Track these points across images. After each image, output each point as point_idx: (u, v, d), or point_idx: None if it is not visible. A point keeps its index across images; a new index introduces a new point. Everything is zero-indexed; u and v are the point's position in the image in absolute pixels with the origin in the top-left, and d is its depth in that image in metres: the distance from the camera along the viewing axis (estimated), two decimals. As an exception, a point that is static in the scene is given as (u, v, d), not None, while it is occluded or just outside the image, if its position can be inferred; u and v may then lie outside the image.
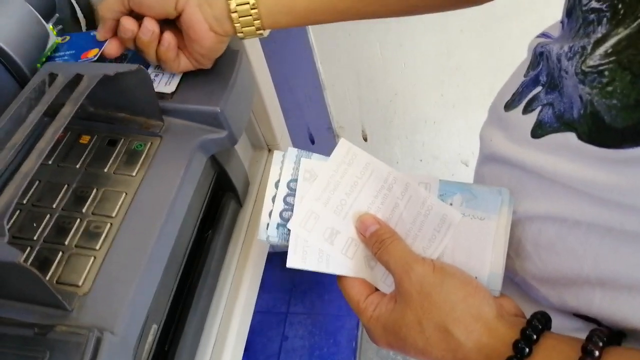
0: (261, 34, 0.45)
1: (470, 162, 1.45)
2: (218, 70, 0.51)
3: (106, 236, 0.41)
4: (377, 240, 0.39)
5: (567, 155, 0.32)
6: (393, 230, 0.40)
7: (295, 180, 0.42)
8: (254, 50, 0.59)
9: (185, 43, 0.46)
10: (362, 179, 0.43)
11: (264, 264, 0.65)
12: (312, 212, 0.41)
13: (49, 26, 0.51)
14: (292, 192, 0.42)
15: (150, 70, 0.51)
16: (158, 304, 0.46)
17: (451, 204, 0.41)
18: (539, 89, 0.37)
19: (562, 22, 0.36)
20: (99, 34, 0.47)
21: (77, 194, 0.44)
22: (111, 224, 0.42)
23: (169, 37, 0.45)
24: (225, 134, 0.49)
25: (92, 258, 0.40)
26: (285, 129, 0.74)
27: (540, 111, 0.35)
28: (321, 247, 0.41)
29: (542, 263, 0.37)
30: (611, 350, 0.28)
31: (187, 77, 0.51)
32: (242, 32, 0.45)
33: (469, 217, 0.40)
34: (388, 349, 0.38)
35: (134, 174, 0.45)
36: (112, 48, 0.47)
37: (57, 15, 0.53)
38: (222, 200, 0.60)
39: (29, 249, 0.41)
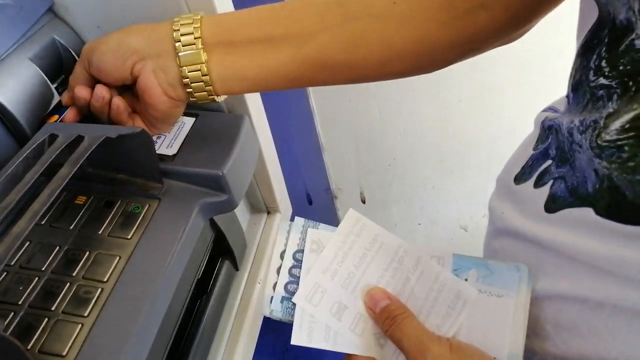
0: (213, 99, 0.45)
1: (468, 227, 1.44)
2: (222, 134, 0.51)
3: (96, 302, 0.39)
4: (388, 316, 0.37)
5: (586, 232, 0.31)
6: (405, 306, 0.38)
7: (302, 251, 0.41)
8: (257, 113, 0.60)
9: (142, 107, 0.48)
10: (371, 251, 0.41)
11: (259, 331, 0.63)
12: (319, 285, 0.40)
13: (54, 87, 0.51)
14: (298, 263, 0.41)
15: (153, 132, 0.51)
16: (146, 375, 0.44)
17: (466, 280, 0.39)
18: (549, 162, 0.36)
19: (567, 96, 0.35)
20: (63, 99, 0.49)
21: (69, 257, 0.43)
22: (102, 289, 0.40)
23: (117, 101, 0.46)
24: (226, 198, 0.48)
25: (80, 325, 0.38)
26: (285, 192, 0.74)
27: (552, 185, 0.35)
28: (328, 323, 0.39)
29: (564, 345, 0.35)
30: None
31: (190, 140, 0.51)
32: (194, 97, 0.45)
33: (486, 294, 0.38)
34: None
35: (129, 236, 0.44)
36: (69, 115, 0.49)
37: (62, 76, 0.54)
38: (217, 264, 0.58)
39: (12, 314, 0.39)
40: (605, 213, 0.30)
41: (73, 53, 0.53)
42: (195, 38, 0.41)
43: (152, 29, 0.44)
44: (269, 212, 0.72)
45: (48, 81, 0.50)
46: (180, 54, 0.42)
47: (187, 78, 0.43)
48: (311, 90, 1.20)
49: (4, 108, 0.45)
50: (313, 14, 0.40)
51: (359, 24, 0.39)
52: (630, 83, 0.27)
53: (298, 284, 0.40)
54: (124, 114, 0.48)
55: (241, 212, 0.68)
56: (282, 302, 0.40)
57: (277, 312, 0.40)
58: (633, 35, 0.27)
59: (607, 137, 0.28)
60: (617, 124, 0.27)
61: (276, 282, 0.41)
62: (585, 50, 0.32)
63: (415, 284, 0.39)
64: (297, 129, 1.12)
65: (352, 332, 0.39)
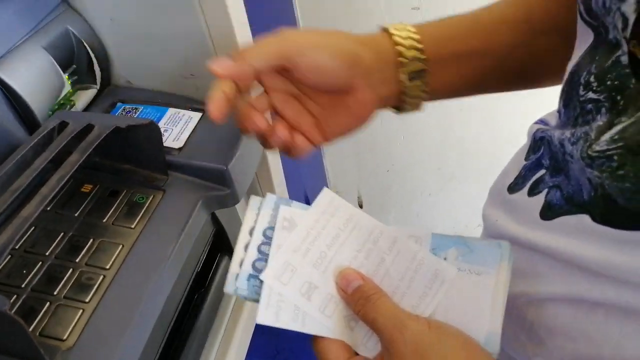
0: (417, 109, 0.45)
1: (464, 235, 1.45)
2: (227, 130, 0.52)
3: (98, 288, 0.40)
4: (361, 296, 0.35)
5: (582, 237, 0.32)
6: (378, 286, 0.36)
7: (272, 228, 0.39)
8: (262, 112, 0.61)
9: (328, 112, 0.42)
10: (345, 231, 0.39)
11: (253, 330, 0.63)
12: (289, 264, 0.38)
13: (65, 76, 0.52)
14: (267, 240, 0.38)
15: (160, 124, 0.52)
16: (142, 364, 0.44)
17: (445, 259, 0.37)
18: (542, 171, 0.37)
19: (559, 111, 0.36)
20: (221, 67, 0.39)
21: (73, 243, 0.43)
22: (104, 276, 0.41)
23: (280, 133, 0.40)
24: (229, 192, 0.49)
25: (81, 311, 0.39)
26: (286, 190, 0.74)
27: (547, 193, 0.36)
28: (297, 303, 0.37)
29: (557, 350, 0.36)
30: None
31: (196, 134, 0.52)
32: (409, 104, 0.44)
33: (465, 273, 0.36)
34: None
35: (132, 226, 0.45)
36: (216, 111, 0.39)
37: (74, 66, 0.55)
38: (217, 259, 0.59)
39: (14, 297, 0.40)
40: (601, 219, 0.31)
41: (85, 44, 0.54)
42: (421, 52, 0.40)
43: (369, 38, 0.42)
44: (268, 210, 0.73)
45: (60, 70, 0.51)
46: (401, 72, 0.40)
47: (405, 93, 0.42)
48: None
49: (16, 94, 0.46)
50: (507, 30, 0.42)
51: (547, 38, 0.41)
52: (618, 97, 0.28)
53: (267, 262, 0.37)
54: (289, 140, 0.41)
55: (242, 209, 0.69)
56: (248, 279, 0.37)
57: (242, 290, 0.37)
58: (619, 52, 0.29)
59: (597, 148, 0.29)
60: (606, 136, 0.28)
61: (243, 259, 0.37)
62: (577, 68, 0.33)
63: (390, 265, 0.38)
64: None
65: (322, 313, 0.37)
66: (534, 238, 0.36)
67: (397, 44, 0.41)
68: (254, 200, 0.40)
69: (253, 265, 0.37)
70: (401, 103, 0.43)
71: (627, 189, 0.27)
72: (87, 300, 0.39)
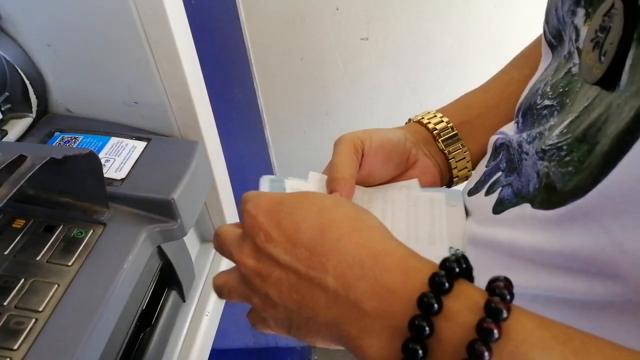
0: (469, 174, 0.51)
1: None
2: (174, 159, 0.50)
3: (28, 334, 0.37)
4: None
5: (522, 226, 0.33)
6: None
7: None
8: (212, 139, 0.59)
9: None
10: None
11: (205, 368, 0.60)
12: None
13: (-3, 103, 0.49)
14: None
15: (102, 154, 0.49)
16: (79, 415, 0.40)
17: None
18: (499, 174, 0.40)
19: (516, 122, 0.40)
20: (335, 183, 0.44)
21: (1, 284, 0.40)
22: (36, 319, 0.37)
23: None
24: (176, 225, 0.47)
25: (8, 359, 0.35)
26: (238, 219, 0.72)
27: (501, 191, 0.38)
28: None
29: None
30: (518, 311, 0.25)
31: (141, 164, 0.49)
32: (457, 176, 0.51)
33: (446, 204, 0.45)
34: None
35: (70, 263, 0.41)
36: None
37: (7, 93, 0.52)
38: (164, 294, 0.56)
39: None
40: (539, 205, 0.32)
41: (19, 70, 0.51)
42: (447, 123, 0.49)
43: (403, 127, 0.51)
44: (219, 242, 0.71)
45: (-10, 98, 0.47)
46: (441, 139, 0.49)
47: (453, 158, 0.49)
48: (267, 122, 1.20)
49: (-62, 123, 0.42)
50: (511, 80, 0.50)
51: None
52: (567, 100, 0.32)
53: None
54: None
55: (191, 241, 0.66)
56: None
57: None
58: (571, 64, 0.33)
59: (549, 142, 0.32)
60: (557, 131, 0.32)
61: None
62: (537, 82, 0.38)
63: (392, 213, 0.44)
64: (252, 159, 1.11)
65: None
66: (484, 233, 0.38)
67: (426, 122, 0.50)
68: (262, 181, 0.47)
69: None
70: (453, 171, 0.50)
71: (569, 172, 0.29)
72: (15, 347, 0.36)
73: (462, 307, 0.25)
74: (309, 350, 1.84)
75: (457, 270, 0.26)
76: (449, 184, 0.51)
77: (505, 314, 0.23)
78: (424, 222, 0.43)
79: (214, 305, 0.63)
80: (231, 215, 0.69)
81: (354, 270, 0.28)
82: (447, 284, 0.25)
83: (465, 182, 0.50)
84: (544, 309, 0.32)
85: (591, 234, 0.27)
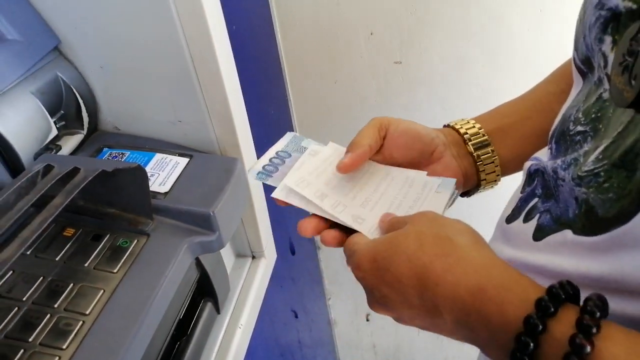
0: (497, 180, 0.54)
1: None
2: (214, 175, 0.53)
3: (76, 335, 0.39)
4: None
5: (565, 252, 0.34)
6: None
7: (285, 152, 0.53)
8: (249, 157, 0.61)
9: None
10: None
11: (237, 380, 0.61)
12: (304, 179, 0.50)
13: (52, 121, 0.52)
14: (278, 157, 0.53)
15: (147, 169, 0.52)
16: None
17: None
18: (535, 200, 0.40)
19: (550, 148, 0.41)
20: (347, 156, 0.49)
21: (52, 288, 0.42)
22: (83, 322, 0.40)
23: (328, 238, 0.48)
24: (215, 237, 0.49)
25: (57, 358, 0.37)
26: (271, 237, 0.74)
27: (539, 217, 0.38)
28: (311, 199, 0.47)
29: None
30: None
31: (183, 179, 0.52)
32: (484, 179, 0.53)
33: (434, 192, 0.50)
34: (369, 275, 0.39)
35: (115, 270, 0.44)
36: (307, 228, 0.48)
37: (62, 111, 0.55)
38: (200, 305, 0.58)
39: (-13, 344, 0.38)
40: (580, 231, 0.33)
41: (74, 90, 0.55)
42: (479, 129, 0.52)
43: (437, 129, 0.54)
44: (253, 257, 0.72)
45: (47, 115, 0.51)
46: (470, 142, 0.52)
47: (481, 161, 0.52)
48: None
49: (1, 137, 0.46)
50: (538, 99, 0.52)
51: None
52: (600, 125, 0.33)
53: (274, 167, 0.51)
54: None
55: (226, 255, 0.68)
56: (257, 174, 0.50)
57: (251, 178, 0.50)
58: (602, 90, 0.34)
59: (585, 169, 0.33)
60: (592, 157, 0.32)
61: (257, 163, 0.52)
62: (569, 109, 0.39)
63: (385, 188, 0.50)
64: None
65: (333, 209, 0.47)
66: (526, 258, 0.38)
67: (459, 127, 0.53)
68: (287, 134, 0.55)
69: (264, 167, 0.51)
70: (480, 174, 0.52)
71: (609, 199, 0.30)
72: (64, 347, 0.38)
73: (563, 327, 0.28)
74: (337, 371, 1.83)
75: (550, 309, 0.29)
76: (477, 187, 0.54)
77: (595, 330, 0.26)
78: (407, 201, 0.49)
79: (248, 319, 0.65)
80: (266, 230, 0.71)
81: (460, 308, 0.33)
82: (540, 326, 0.28)
83: (492, 186, 0.54)
84: None
85: None
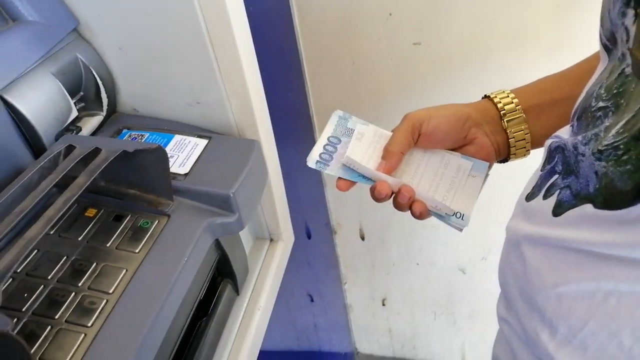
0: (527, 153, 0.55)
1: (467, 269, 1.43)
2: (233, 157, 0.52)
3: (100, 313, 0.39)
4: None
5: (586, 225, 0.35)
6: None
7: (335, 137, 0.57)
8: (267, 140, 0.61)
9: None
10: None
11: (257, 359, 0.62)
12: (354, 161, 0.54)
13: (72, 102, 0.53)
14: (330, 144, 0.56)
15: (167, 150, 0.52)
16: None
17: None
18: (556, 176, 0.41)
19: (572, 125, 0.41)
20: (382, 166, 0.53)
21: (75, 267, 0.43)
22: (107, 300, 0.40)
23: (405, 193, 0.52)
24: (234, 219, 0.49)
25: (83, 335, 0.38)
26: (289, 220, 0.74)
27: (559, 194, 0.39)
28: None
29: (582, 346, 0.36)
30: None
31: (202, 160, 0.52)
32: (514, 154, 0.55)
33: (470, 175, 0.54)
34: None
35: (137, 250, 0.44)
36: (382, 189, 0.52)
37: (81, 93, 0.56)
38: (219, 286, 0.58)
39: (15, 320, 0.39)
40: (601, 205, 0.33)
41: (93, 71, 0.55)
42: (516, 105, 0.52)
43: (475, 103, 0.55)
44: (271, 240, 0.73)
45: (68, 96, 0.51)
46: (506, 119, 0.53)
47: (513, 137, 0.53)
48: (317, 126, 1.22)
49: (24, 118, 0.46)
50: (581, 76, 0.49)
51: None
52: (622, 100, 0.34)
53: (329, 156, 0.55)
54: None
55: (245, 238, 0.68)
56: (316, 163, 0.54)
57: (311, 167, 0.54)
58: (624, 65, 0.34)
59: (606, 142, 0.33)
60: (613, 131, 0.33)
61: (313, 151, 0.56)
62: (593, 86, 0.39)
63: (423, 169, 0.54)
64: (301, 162, 1.13)
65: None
66: (547, 233, 0.39)
67: (497, 102, 0.53)
68: (334, 115, 0.59)
69: (320, 156, 0.55)
70: (511, 149, 0.54)
71: (627, 170, 0.31)
72: (89, 324, 0.39)
73: None
74: (352, 354, 1.84)
75: None
76: (505, 159, 0.56)
77: None
78: (444, 184, 0.53)
79: (266, 301, 0.65)
80: (283, 213, 0.71)
81: None
82: None
83: (522, 159, 0.55)
84: (618, 304, 0.33)
85: None
